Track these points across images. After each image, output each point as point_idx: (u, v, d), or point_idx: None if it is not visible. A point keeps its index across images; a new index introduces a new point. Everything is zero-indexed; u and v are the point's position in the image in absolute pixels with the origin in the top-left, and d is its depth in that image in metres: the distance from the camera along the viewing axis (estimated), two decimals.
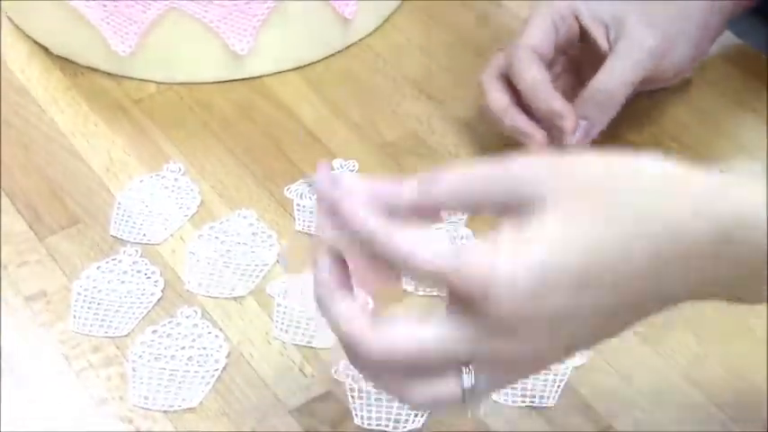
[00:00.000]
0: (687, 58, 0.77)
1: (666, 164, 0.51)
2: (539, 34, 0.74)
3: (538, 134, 0.73)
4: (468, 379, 0.51)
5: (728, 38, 0.83)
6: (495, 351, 0.50)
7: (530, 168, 0.51)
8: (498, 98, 0.74)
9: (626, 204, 0.50)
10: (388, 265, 0.51)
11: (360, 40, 0.86)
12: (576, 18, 0.75)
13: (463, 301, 0.50)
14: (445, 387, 0.52)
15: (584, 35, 0.75)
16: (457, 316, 0.50)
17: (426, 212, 0.53)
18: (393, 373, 0.52)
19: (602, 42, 0.74)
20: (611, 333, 0.53)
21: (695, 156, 0.76)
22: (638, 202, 0.50)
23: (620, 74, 0.73)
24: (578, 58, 0.77)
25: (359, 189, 0.53)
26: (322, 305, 0.53)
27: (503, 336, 0.50)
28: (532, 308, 0.49)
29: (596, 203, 0.50)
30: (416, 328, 0.51)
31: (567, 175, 0.51)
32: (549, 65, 0.75)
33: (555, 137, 0.73)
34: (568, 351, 0.54)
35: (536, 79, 0.73)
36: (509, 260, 0.49)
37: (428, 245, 0.50)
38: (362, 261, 0.53)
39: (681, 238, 0.50)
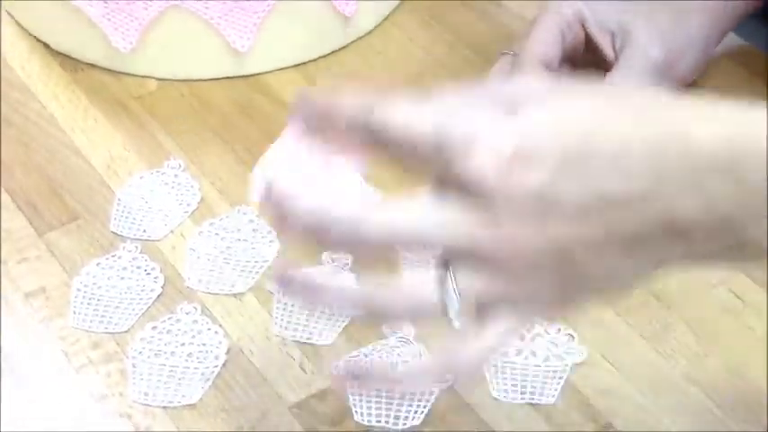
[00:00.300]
0: (694, 67, 0.76)
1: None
2: (545, 44, 0.73)
3: None
4: (448, 280, 0.49)
5: (732, 39, 0.83)
6: (476, 239, 0.48)
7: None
8: None
9: (631, 97, 0.48)
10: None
11: (360, 38, 0.86)
12: (583, 26, 0.75)
13: (446, 172, 0.48)
14: (422, 285, 0.50)
15: (589, 42, 0.75)
16: (437, 193, 0.48)
17: None
18: (363, 251, 0.50)
19: (608, 51, 0.74)
20: (606, 257, 0.48)
21: None
22: (645, 99, 0.48)
23: (625, 84, 0.72)
24: (581, 62, 0.77)
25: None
26: (282, 202, 0.51)
27: (485, 219, 0.47)
28: (516, 182, 0.46)
29: (598, 94, 0.48)
30: (395, 210, 0.49)
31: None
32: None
33: None
34: (561, 273, 0.49)
35: None
36: (497, 126, 0.47)
37: (422, 113, 0.48)
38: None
39: (690, 141, 0.46)
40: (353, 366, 0.56)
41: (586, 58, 0.76)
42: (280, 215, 0.52)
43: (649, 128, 0.47)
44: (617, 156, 0.47)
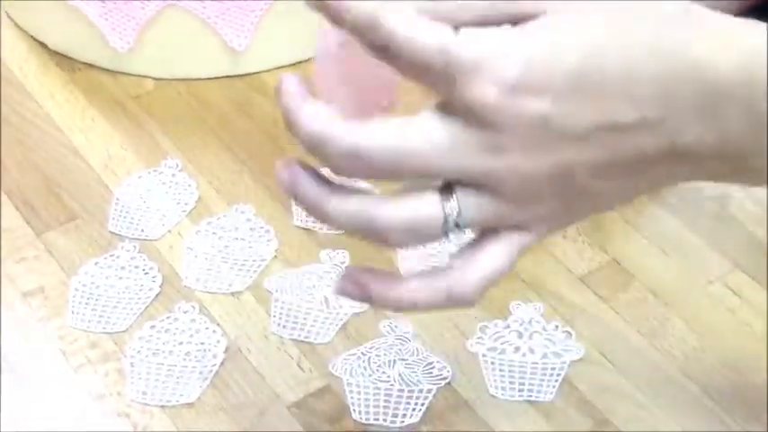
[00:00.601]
0: None
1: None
2: None
3: None
4: (451, 203, 0.48)
5: None
6: (479, 165, 0.47)
7: None
8: None
9: (639, 19, 0.46)
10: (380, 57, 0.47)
11: None
12: None
13: (452, 94, 0.46)
14: (425, 207, 0.48)
15: None
16: (442, 114, 0.47)
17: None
18: (364, 171, 0.47)
19: None
20: (611, 180, 0.48)
21: None
22: (662, 16, 0.47)
23: None
24: None
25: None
26: (288, 114, 0.49)
27: (491, 146, 0.46)
28: (520, 111, 0.46)
29: (613, 6, 0.47)
30: (397, 127, 0.47)
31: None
32: None
33: None
34: (565, 196, 0.49)
35: None
36: (502, 51, 0.46)
37: (429, 27, 0.46)
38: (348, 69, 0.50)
39: (705, 69, 0.46)
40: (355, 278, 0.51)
41: None
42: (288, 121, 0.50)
43: (662, 52, 0.46)
44: (626, 80, 0.46)
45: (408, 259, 0.70)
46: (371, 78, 0.52)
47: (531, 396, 0.64)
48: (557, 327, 0.66)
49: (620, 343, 0.66)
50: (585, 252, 0.71)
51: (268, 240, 0.71)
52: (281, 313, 0.67)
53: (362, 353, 0.65)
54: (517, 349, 0.65)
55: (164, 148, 0.78)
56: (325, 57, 0.53)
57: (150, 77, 0.83)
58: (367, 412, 0.63)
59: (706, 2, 0.76)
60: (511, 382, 0.64)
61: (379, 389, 0.63)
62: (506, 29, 0.47)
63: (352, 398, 0.63)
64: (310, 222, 0.72)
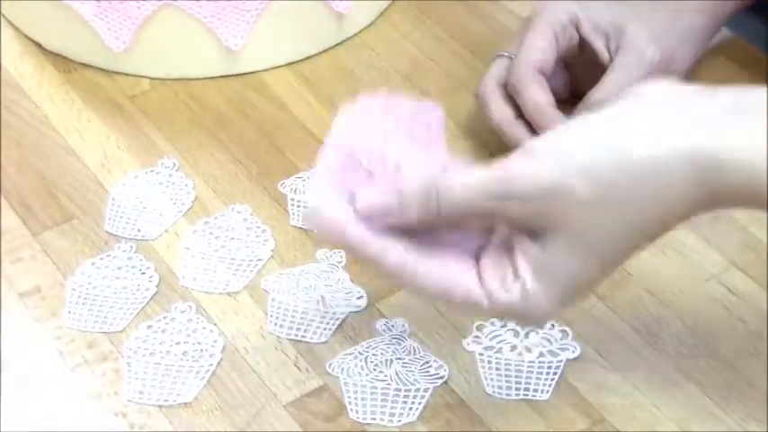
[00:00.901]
0: (688, 63, 0.77)
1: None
2: (540, 50, 0.73)
3: None
4: None
5: (725, 33, 0.83)
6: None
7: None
8: (500, 110, 0.74)
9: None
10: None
11: (354, 35, 0.86)
12: (577, 28, 0.74)
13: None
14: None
15: (583, 44, 0.75)
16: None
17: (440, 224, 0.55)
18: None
19: (603, 52, 0.74)
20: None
21: None
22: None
23: (621, 86, 0.72)
24: (576, 63, 0.77)
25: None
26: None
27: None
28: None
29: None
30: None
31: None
32: None
33: None
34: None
35: (538, 101, 0.72)
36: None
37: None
38: None
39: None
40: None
41: (581, 59, 0.76)
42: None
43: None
44: None
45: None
46: None
47: (527, 395, 0.64)
48: (553, 325, 0.66)
49: (616, 341, 0.66)
50: None
51: (265, 240, 0.71)
52: (277, 313, 0.67)
53: (359, 352, 0.65)
54: (514, 348, 0.65)
55: (160, 148, 0.78)
56: None
57: (146, 77, 0.83)
58: (364, 411, 0.63)
59: (712, 2, 0.76)
60: (507, 381, 0.64)
61: (375, 388, 0.63)
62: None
63: (348, 397, 0.63)
64: (306, 223, 0.72)
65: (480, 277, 0.55)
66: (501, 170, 0.53)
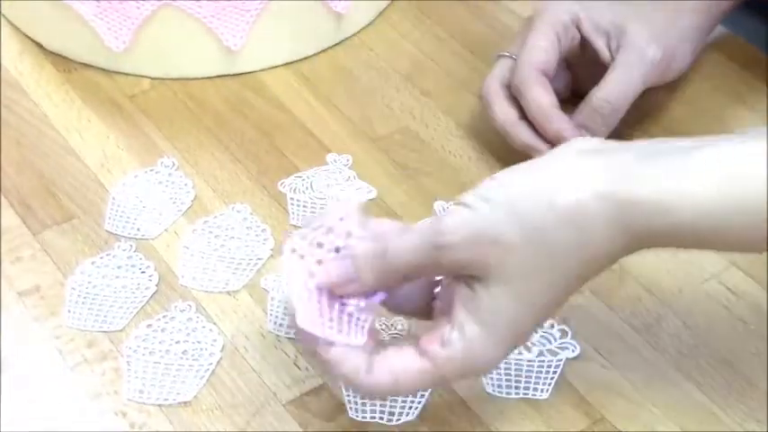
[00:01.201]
0: (687, 62, 0.77)
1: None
2: (543, 50, 0.73)
3: (545, 149, 0.72)
4: None
5: (723, 31, 0.83)
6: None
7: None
8: (504, 111, 0.74)
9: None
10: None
11: (353, 35, 0.86)
12: (578, 27, 0.74)
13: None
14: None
15: (584, 44, 0.75)
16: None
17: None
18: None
19: (604, 52, 0.74)
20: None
21: None
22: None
23: (623, 86, 0.73)
24: (577, 62, 0.77)
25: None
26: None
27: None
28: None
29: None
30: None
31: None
32: None
33: None
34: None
35: (541, 102, 0.72)
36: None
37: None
38: None
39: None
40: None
41: (582, 59, 0.76)
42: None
43: None
44: None
45: None
46: None
47: (527, 394, 0.64)
48: (552, 324, 0.66)
49: (616, 340, 0.66)
50: None
51: (264, 239, 0.71)
52: (277, 312, 0.67)
53: None
54: None
55: (160, 148, 0.78)
56: None
57: (146, 77, 0.83)
58: (363, 411, 0.63)
59: (708, 2, 0.76)
60: (507, 380, 0.64)
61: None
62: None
63: (348, 396, 0.63)
64: (305, 224, 0.72)
65: (421, 351, 0.56)
66: (435, 223, 0.55)
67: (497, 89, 0.74)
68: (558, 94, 0.73)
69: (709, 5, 0.77)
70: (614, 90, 0.73)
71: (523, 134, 0.73)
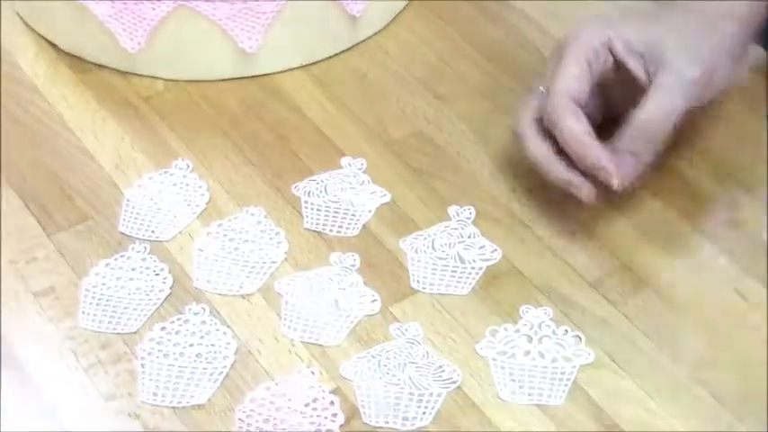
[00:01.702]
0: (727, 81, 0.74)
1: None
2: (575, 79, 0.71)
3: (585, 187, 0.71)
4: None
5: (756, 48, 0.81)
6: None
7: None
8: (538, 147, 0.72)
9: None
10: None
11: (368, 38, 0.86)
12: (611, 50, 0.72)
13: None
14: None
15: (618, 65, 0.73)
16: None
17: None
18: None
19: (640, 74, 0.72)
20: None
21: (722, 166, 0.76)
22: None
23: (666, 107, 0.70)
24: (613, 85, 0.74)
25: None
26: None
27: None
28: None
29: None
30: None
31: None
32: None
33: (600, 180, 0.70)
34: None
35: (575, 131, 0.70)
36: None
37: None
38: None
39: None
40: None
41: (618, 81, 0.73)
42: None
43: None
44: None
45: (418, 263, 0.70)
46: None
47: (540, 400, 0.64)
48: (567, 331, 0.66)
49: (630, 348, 0.66)
50: (596, 257, 0.71)
51: (278, 242, 0.71)
52: (291, 315, 0.67)
53: (372, 356, 0.65)
54: (527, 353, 0.65)
55: (174, 150, 0.78)
56: None
57: (161, 78, 0.83)
58: (377, 415, 0.63)
59: (734, 10, 0.75)
60: (520, 386, 0.64)
61: (389, 392, 0.63)
62: None
63: (362, 400, 0.63)
64: (320, 225, 0.72)
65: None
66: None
67: (530, 123, 0.72)
68: (591, 119, 0.71)
69: (750, 6, 0.74)
70: (656, 113, 0.70)
71: (557, 171, 0.71)
